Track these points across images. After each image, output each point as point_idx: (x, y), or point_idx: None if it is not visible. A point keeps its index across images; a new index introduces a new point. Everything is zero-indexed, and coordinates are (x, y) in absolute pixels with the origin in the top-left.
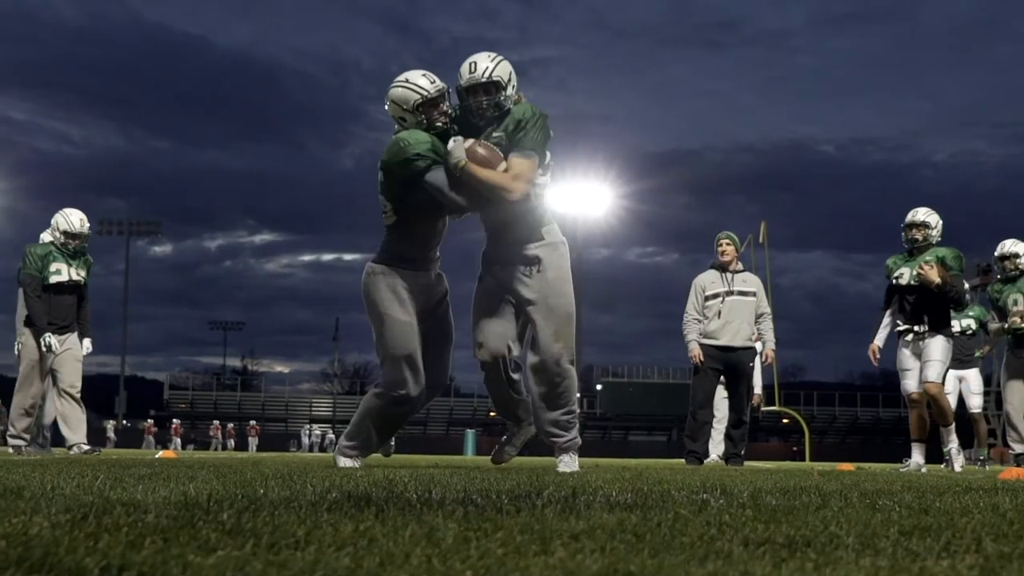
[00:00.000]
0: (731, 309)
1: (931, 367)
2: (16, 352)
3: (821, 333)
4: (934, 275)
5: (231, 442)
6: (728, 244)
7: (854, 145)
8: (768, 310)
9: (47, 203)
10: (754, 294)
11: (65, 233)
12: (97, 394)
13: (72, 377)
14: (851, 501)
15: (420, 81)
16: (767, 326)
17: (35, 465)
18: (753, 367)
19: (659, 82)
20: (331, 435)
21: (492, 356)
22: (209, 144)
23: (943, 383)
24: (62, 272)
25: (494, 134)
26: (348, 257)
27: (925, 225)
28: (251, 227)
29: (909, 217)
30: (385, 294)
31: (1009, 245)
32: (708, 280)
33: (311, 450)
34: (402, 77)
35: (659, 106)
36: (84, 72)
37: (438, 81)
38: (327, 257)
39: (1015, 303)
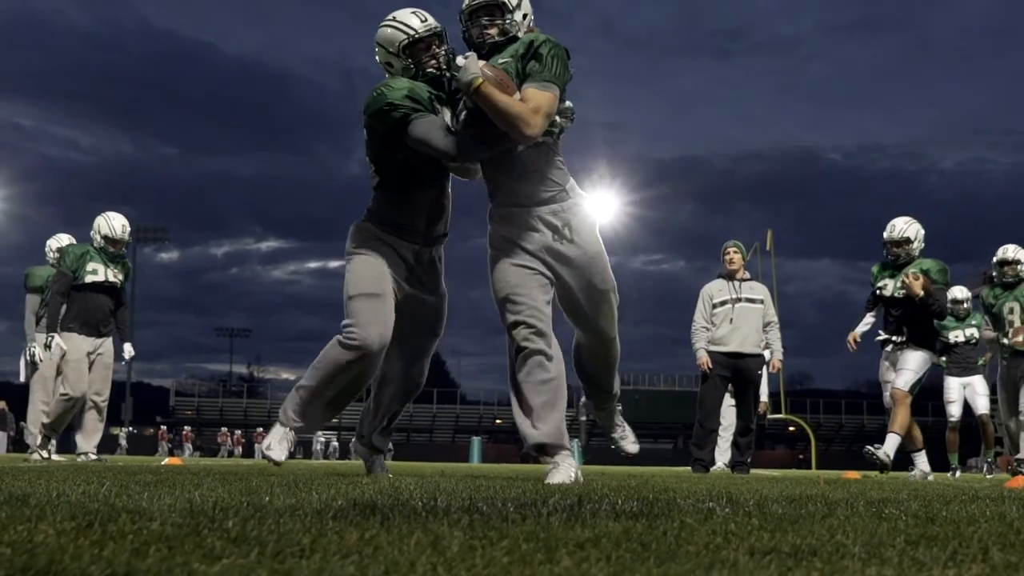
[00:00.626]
0: (739, 316)
1: (902, 375)
2: (29, 357)
3: (827, 341)
4: (918, 287)
5: (238, 449)
6: (735, 252)
7: (862, 153)
8: (775, 319)
9: (55, 209)
10: (761, 302)
11: (106, 238)
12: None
13: (100, 384)
14: (857, 510)
15: (409, 19)
16: (774, 335)
17: (41, 472)
18: (761, 374)
19: (668, 90)
20: (335, 442)
21: (536, 331)
22: (217, 151)
23: (927, 392)
24: (99, 272)
25: (500, 60)
26: None
27: (906, 241)
28: (258, 234)
29: (887, 234)
30: (359, 243)
31: (1012, 251)
32: (716, 288)
33: (318, 457)
34: (390, 16)
35: (667, 114)
36: (93, 79)
37: (431, 20)
38: (334, 264)
39: (1011, 311)
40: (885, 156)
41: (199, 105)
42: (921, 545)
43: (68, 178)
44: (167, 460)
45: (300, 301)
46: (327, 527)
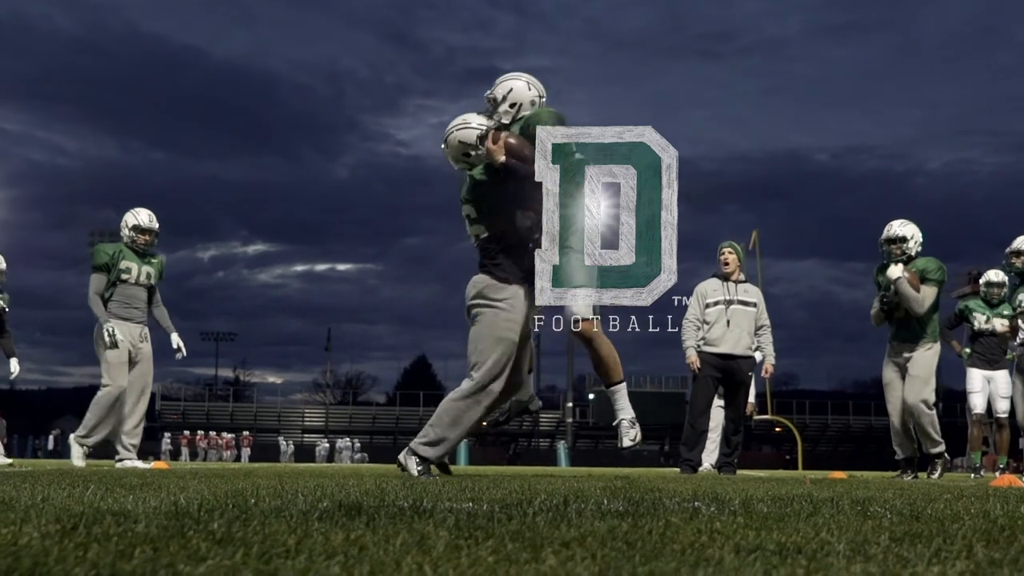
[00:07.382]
0: (733, 318)
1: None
2: (107, 337)
3: (814, 341)
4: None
5: (227, 453)
6: (730, 253)
7: (848, 154)
8: (768, 322)
9: (41, 215)
10: (755, 305)
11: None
12: (88, 405)
13: None
14: (842, 508)
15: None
16: (767, 339)
17: (26, 476)
18: (752, 376)
19: (655, 92)
20: (285, 444)
21: None
22: (204, 155)
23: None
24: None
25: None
26: (341, 267)
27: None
28: (244, 237)
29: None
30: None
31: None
32: (710, 288)
33: (291, 459)
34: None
35: (654, 116)
36: (80, 83)
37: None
38: (320, 267)
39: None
40: (872, 157)
41: (186, 109)
42: (906, 542)
43: (54, 183)
44: (153, 464)
45: (286, 304)
46: (313, 528)
